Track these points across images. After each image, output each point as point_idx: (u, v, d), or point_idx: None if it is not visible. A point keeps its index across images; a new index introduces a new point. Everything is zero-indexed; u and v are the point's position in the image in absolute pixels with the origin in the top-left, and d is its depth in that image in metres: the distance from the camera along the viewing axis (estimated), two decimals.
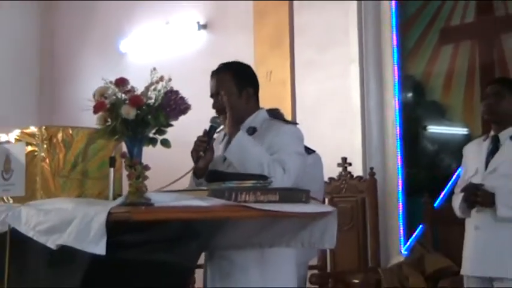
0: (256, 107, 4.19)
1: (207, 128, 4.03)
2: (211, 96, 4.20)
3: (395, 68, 7.03)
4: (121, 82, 3.32)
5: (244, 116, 4.14)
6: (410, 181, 6.80)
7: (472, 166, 4.96)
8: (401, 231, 6.82)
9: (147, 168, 3.19)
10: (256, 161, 3.80)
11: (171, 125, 3.40)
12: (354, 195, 6.54)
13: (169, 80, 3.35)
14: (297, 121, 7.24)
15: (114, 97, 3.30)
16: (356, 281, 5.92)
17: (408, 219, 6.76)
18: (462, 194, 4.86)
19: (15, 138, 4.24)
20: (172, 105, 3.27)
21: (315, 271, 6.56)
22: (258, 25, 7.83)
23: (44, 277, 3.79)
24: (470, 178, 4.90)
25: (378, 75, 7.11)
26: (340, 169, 6.62)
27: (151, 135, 3.39)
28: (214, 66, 8.04)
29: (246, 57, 7.74)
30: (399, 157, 6.93)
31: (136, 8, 9.06)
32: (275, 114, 5.72)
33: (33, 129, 4.11)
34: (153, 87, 3.32)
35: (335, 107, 7.20)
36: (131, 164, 3.20)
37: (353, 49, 7.10)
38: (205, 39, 8.41)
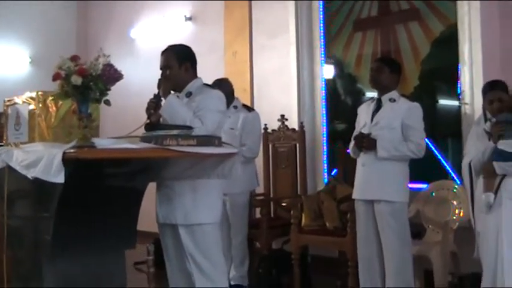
0: (193, 77, 4.20)
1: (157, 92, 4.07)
2: (160, 68, 4.18)
3: (322, 49, 7.03)
4: (74, 58, 3.34)
5: (184, 84, 4.16)
6: (331, 132, 6.83)
7: (362, 121, 4.99)
8: (325, 169, 6.85)
9: (92, 121, 3.22)
10: (181, 117, 3.83)
11: (109, 89, 3.40)
12: (289, 142, 6.55)
13: (108, 56, 3.36)
14: (254, 89, 7.33)
15: (67, 69, 3.28)
16: (284, 204, 5.95)
17: (330, 160, 6.77)
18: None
19: (22, 101, 4.29)
20: (107, 74, 3.26)
21: (262, 197, 6.63)
22: (227, 18, 7.82)
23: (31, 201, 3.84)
24: (361, 129, 4.91)
25: (309, 54, 7.12)
26: (280, 123, 6.58)
27: (97, 97, 3.39)
28: (198, 50, 8.06)
29: (218, 42, 7.83)
30: (324, 114, 6.95)
31: (143, 4, 9.04)
32: (220, 82, 5.77)
33: (33, 94, 4.14)
34: (95, 62, 3.31)
35: (280, 78, 7.22)
36: (80, 118, 3.23)
37: (292, 36, 7.10)
38: (190, 29, 8.39)
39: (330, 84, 6.98)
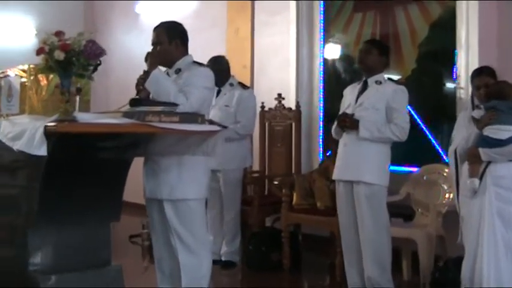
0: (183, 53, 4.22)
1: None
2: (152, 44, 4.19)
3: (322, 29, 7.00)
4: (57, 34, 3.35)
5: (174, 60, 4.19)
6: (328, 112, 6.80)
7: (347, 102, 4.96)
8: (321, 149, 6.86)
9: (74, 94, 3.24)
10: (166, 91, 3.85)
11: (91, 65, 3.41)
12: (285, 121, 6.55)
13: (91, 33, 3.37)
14: (255, 66, 7.32)
15: (51, 44, 3.30)
16: (275, 182, 5.97)
17: (325, 140, 6.77)
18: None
19: (15, 74, 4.30)
20: (89, 50, 3.28)
21: (257, 175, 6.66)
22: None
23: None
24: (345, 110, 4.90)
25: (309, 33, 7.10)
26: (276, 102, 6.58)
27: (80, 72, 3.40)
28: (201, 25, 8.11)
29: (221, 18, 7.82)
30: (321, 94, 6.96)
31: None
32: (216, 59, 5.78)
33: (25, 67, 4.16)
34: (79, 37, 3.33)
35: (279, 56, 7.22)
36: (62, 92, 3.26)
37: (292, 14, 7.08)
38: (194, 4, 8.37)
39: (328, 64, 6.97)
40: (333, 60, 6.97)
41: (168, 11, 8.46)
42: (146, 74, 4.05)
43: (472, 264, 4.08)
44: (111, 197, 4.05)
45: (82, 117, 3.29)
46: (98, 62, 3.78)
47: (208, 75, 4.12)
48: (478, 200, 4.10)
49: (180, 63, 4.16)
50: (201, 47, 7.20)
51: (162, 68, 4.14)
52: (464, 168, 4.26)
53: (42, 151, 3.27)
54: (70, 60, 3.29)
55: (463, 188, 4.30)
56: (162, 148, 3.98)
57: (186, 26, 7.88)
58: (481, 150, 4.08)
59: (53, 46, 3.30)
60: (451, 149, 4.45)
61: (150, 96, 4.07)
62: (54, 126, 3.19)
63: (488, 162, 4.09)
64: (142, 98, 3.90)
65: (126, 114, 3.42)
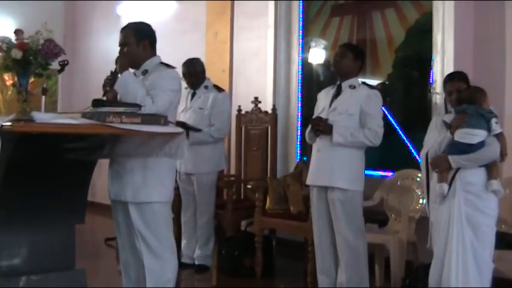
0: (151, 54, 4.15)
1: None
2: (119, 45, 4.14)
3: (300, 33, 6.96)
4: (16, 32, 3.29)
5: (141, 61, 4.14)
6: (306, 116, 6.71)
7: (321, 106, 4.92)
8: (298, 152, 6.81)
9: (31, 94, 3.18)
10: (133, 94, 3.80)
11: (50, 64, 3.36)
12: (261, 125, 6.51)
13: (50, 31, 3.31)
14: (233, 70, 7.28)
15: (9, 42, 3.25)
16: (249, 186, 5.91)
17: (303, 145, 6.72)
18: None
19: None
20: (46, 49, 3.22)
21: (233, 178, 6.62)
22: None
23: None
24: (319, 114, 4.86)
25: (287, 38, 7.07)
26: (253, 105, 6.53)
27: (38, 71, 3.35)
28: (181, 28, 8.07)
29: (201, 21, 7.78)
30: (299, 98, 6.92)
31: None
32: (191, 61, 5.74)
33: None
34: (36, 36, 3.28)
35: (257, 60, 7.19)
36: (19, 91, 3.20)
37: (271, 18, 7.05)
38: (174, 7, 8.35)
39: (306, 68, 6.92)
40: (311, 64, 6.92)
41: (148, 14, 8.41)
42: (113, 75, 4.00)
43: (439, 270, 4.04)
44: (75, 199, 4.01)
45: (39, 117, 3.23)
46: (65, 62, 3.73)
47: (175, 77, 4.07)
48: (447, 205, 4.06)
49: (147, 64, 4.11)
50: (181, 50, 7.21)
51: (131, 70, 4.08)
52: (435, 172, 4.22)
53: None
54: (27, 59, 3.24)
55: (433, 192, 4.26)
56: (127, 150, 3.93)
57: (167, 29, 7.97)
58: (450, 157, 4.03)
59: (11, 44, 3.23)
60: (422, 153, 4.41)
61: (118, 97, 4.01)
62: (9, 125, 3.13)
63: (458, 168, 4.05)
64: (104, 99, 3.83)
65: (86, 115, 3.37)
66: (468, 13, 5.52)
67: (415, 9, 5.98)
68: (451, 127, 4.14)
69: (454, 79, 4.35)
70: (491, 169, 4.00)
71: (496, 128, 3.97)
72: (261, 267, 5.68)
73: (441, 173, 4.10)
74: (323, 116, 4.77)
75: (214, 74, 7.07)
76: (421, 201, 5.32)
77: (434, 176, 4.25)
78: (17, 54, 3.20)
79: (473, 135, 3.98)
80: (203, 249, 5.97)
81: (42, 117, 3.23)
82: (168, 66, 4.13)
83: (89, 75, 8.88)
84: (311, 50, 6.91)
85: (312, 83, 6.82)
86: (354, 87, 4.77)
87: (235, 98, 7.18)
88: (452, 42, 5.51)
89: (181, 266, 5.67)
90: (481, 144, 3.98)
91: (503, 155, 4.02)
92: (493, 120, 3.96)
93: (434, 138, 4.31)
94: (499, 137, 4.00)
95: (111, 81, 3.97)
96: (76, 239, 4.07)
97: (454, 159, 4.02)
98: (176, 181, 5.83)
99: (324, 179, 4.72)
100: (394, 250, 5.04)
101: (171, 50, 7.06)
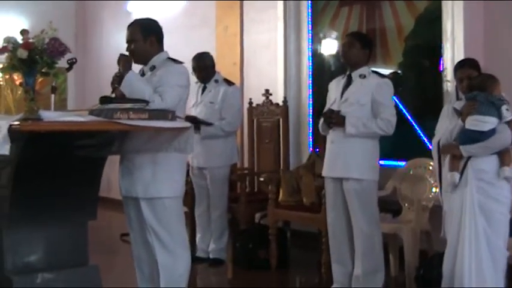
0: (158, 50, 4.16)
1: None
2: (126, 42, 4.14)
3: (309, 24, 6.95)
4: (22, 32, 3.31)
5: (149, 57, 4.14)
6: (317, 107, 6.70)
7: (332, 97, 4.91)
8: (311, 143, 6.79)
9: (39, 93, 3.20)
10: (140, 92, 3.80)
11: (56, 63, 3.37)
12: (273, 117, 6.51)
13: (55, 30, 3.32)
14: (244, 63, 7.28)
15: (15, 42, 3.27)
16: (262, 179, 5.91)
17: (315, 136, 6.69)
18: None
19: None
20: (52, 48, 3.23)
21: (246, 171, 6.62)
22: None
23: None
24: (331, 106, 4.84)
25: (296, 29, 7.06)
26: (264, 98, 6.52)
27: (44, 70, 3.36)
28: (191, 23, 8.07)
29: (210, 16, 7.78)
30: (310, 89, 6.88)
31: None
32: (201, 56, 5.74)
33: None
34: (41, 35, 3.29)
35: (268, 53, 7.18)
36: (27, 90, 3.21)
37: (280, 11, 7.04)
38: (184, 3, 8.36)
39: (316, 59, 6.89)
40: (321, 55, 6.89)
41: (158, 10, 8.41)
42: (121, 72, 3.99)
43: (453, 259, 4.01)
44: (86, 196, 4.02)
45: (47, 115, 3.24)
46: (74, 60, 3.74)
47: (182, 72, 4.07)
48: (459, 194, 4.03)
49: (154, 60, 4.12)
50: (192, 45, 7.21)
51: (137, 67, 4.08)
52: (447, 161, 4.19)
53: (4, 150, 3.23)
54: (33, 58, 3.25)
55: (445, 181, 4.23)
56: (136, 146, 3.93)
57: (177, 24, 7.97)
58: (462, 147, 4.00)
59: (16, 44, 3.25)
60: (434, 141, 4.38)
61: None
62: (18, 125, 3.14)
63: (470, 156, 4.02)
64: (112, 96, 3.84)
65: (94, 112, 3.37)
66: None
67: None
68: (461, 114, 4.10)
69: (465, 66, 4.31)
70: (503, 156, 3.96)
71: (507, 115, 3.93)
72: (276, 259, 5.68)
73: (453, 161, 4.07)
74: (335, 107, 4.76)
75: (225, 67, 7.07)
76: (434, 189, 5.29)
77: (446, 164, 4.21)
78: (22, 53, 3.22)
79: (484, 122, 3.94)
80: (217, 243, 5.97)
81: (49, 115, 3.24)
82: (175, 61, 4.13)
83: (101, 71, 8.89)
84: (321, 41, 6.88)
85: (323, 73, 6.78)
86: (365, 76, 4.74)
87: (246, 90, 7.18)
88: (462, 29, 5.47)
89: (196, 260, 5.73)
90: (492, 132, 3.94)
91: None
92: (504, 107, 3.92)
93: (446, 126, 4.27)
94: (510, 123, 3.95)
95: (119, 78, 3.97)
96: (91, 235, 4.10)
97: (465, 149, 3.98)
98: (189, 175, 5.85)
99: (339, 170, 4.72)
100: (408, 239, 5.03)
101: (182, 45, 7.11)
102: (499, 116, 3.92)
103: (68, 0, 9.82)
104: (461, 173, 4.03)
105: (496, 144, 3.93)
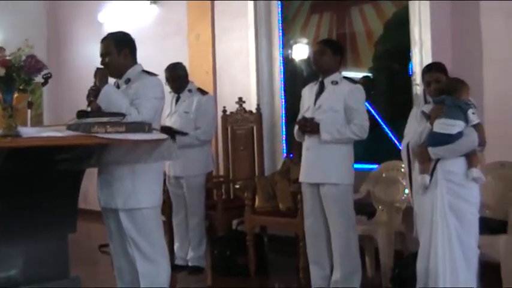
0: (132, 63, 4.24)
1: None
2: (100, 55, 4.21)
3: (280, 31, 7.04)
4: None
5: (123, 70, 4.21)
6: (291, 113, 6.79)
7: (306, 104, 5.02)
8: (285, 149, 6.89)
9: (15, 110, 3.25)
10: (117, 105, 3.87)
11: (33, 80, 3.42)
12: (247, 124, 6.60)
13: (31, 47, 3.38)
14: (217, 71, 7.35)
15: None
16: (237, 186, 6.00)
17: (288, 142, 6.78)
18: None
19: None
20: (29, 65, 3.29)
21: (222, 179, 6.70)
22: (191, 1, 7.84)
23: None
24: (305, 113, 4.95)
25: (268, 36, 7.15)
26: (238, 105, 6.61)
27: (22, 87, 3.41)
28: (164, 32, 8.13)
29: (182, 24, 7.84)
30: (283, 96, 6.99)
31: None
32: (174, 66, 5.82)
33: None
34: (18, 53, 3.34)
35: (240, 61, 7.26)
36: (4, 108, 3.27)
37: (250, 18, 7.12)
38: (156, 12, 8.40)
39: (288, 66, 7.00)
40: (293, 62, 7.00)
41: (130, 20, 8.47)
42: (97, 86, 4.06)
43: (426, 259, 4.11)
44: (66, 209, 4.08)
45: (26, 131, 3.31)
46: (49, 75, 3.79)
47: (158, 84, 4.16)
48: (429, 196, 4.14)
49: (129, 73, 4.20)
50: (165, 54, 7.30)
51: (111, 80, 4.15)
52: (417, 163, 4.30)
53: None
54: (11, 76, 3.30)
55: (415, 183, 4.34)
56: (114, 158, 4.00)
57: (149, 34, 8.03)
58: (430, 149, 4.11)
59: None
60: (403, 144, 4.50)
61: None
62: None
63: (439, 158, 4.13)
64: (89, 110, 3.91)
65: (71, 127, 3.44)
66: (444, 4, 5.61)
67: (392, 3, 6.07)
68: (430, 117, 4.21)
69: (432, 70, 4.45)
70: (470, 158, 4.08)
71: (474, 119, 4.04)
72: (254, 264, 5.77)
73: (422, 164, 4.18)
74: (309, 114, 4.87)
75: (198, 76, 7.16)
76: (406, 191, 5.39)
77: (416, 167, 4.33)
78: (0, 71, 3.26)
79: (452, 125, 4.05)
80: (196, 251, 6.04)
81: (28, 131, 3.31)
82: (150, 74, 4.21)
83: (76, 83, 8.90)
84: (292, 48, 6.98)
85: (295, 79, 6.89)
86: (337, 82, 4.87)
87: (220, 99, 7.26)
88: (429, 34, 5.61)
89: (176, 268, 5.80)
90: (460, 135, 4.05)
91: (482, 145, 4.10)
92: (470, 111, 4.04)
93: (414, 128, 4.39)
94: (477, 127, 4.07)
95: (94, 91, 4.04)
96: (71, 247, 4.15)
97: (433, 151, 4.10)
98: (166, 185, 5.93)
99: (316, 176, 4.85)
100: (382, 241, 5.16)
101: (155, 54, 7.19)
102: (466, 120, 4.04)
103: (39, 11, 9.82)
104: (431, 175, 4.14)
105: (464, 147, 4.05)
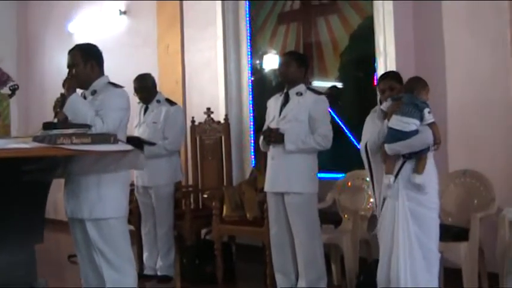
0: (99, 74, 4.29)
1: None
2: (67, 67, 4.27)
3: (248, 42, 7.14)
4: None
5: (89, 81, 4.28)
6: (259, 124, 6.87)
7: (271, 114, 5.13)
8: (253, 160, 6.98)
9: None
10: (83, 115, 3.94)
11: None
12: (215, 134, 6.67)
13: (1, 61, 3.44)
14: (186, 81, 7.44)
15: None
16: (205, 195, 6.09)
17: (257, 152, 6.85)
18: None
19: None
20: None
21: (191, 189, 6.78)
22: (160, 12, 7.92)
23: None
24: (270, 123, 5.06)
25: (236, 47, 7.26)
26: (206, 116, 6.70)
27: None
28: (134, 43, 8.18)
29: (152, 35, 7.92)
30: (251, 106, 7.11)
31: None
32: (142, 77, 5.90)
33: None
34: None
35: (209, 71, 7.35)
36: None
37: (219, 29, 7.22)
38: (125, 23, 8.48)
39: (256, 77, 7.12)
40: (261, 72, 7.12)
41: (100, 30, 8.54)
42: (63, 97, 4.12)
43: (387, 265, 4.23)
44: (32, 220, 4.12)
45: None
46: (16, 86, 3.86)
47: (123, 95, 4.23)
48: (391, 202, 4.25)
49: (95, 85, 4.26)
50: (135, 64, 7.38)
51: (79, 91, 4.22)
52: (377, 161, 4.40)
53: None
54: None
55: (377, 184, 4.44)
56: (81, 168, 4.07)
57: (119, 44, 8.11)
58: (386, 146, 4.22)
59: None
60: (362, 145, 4.57)
61: (69, 118, 4.14)
62: None
63: (403, 162, 4.22)
64: (55, 121, 3.97)
65: (37, 138, 3.50)
66: (407, 14, 5.76)
67: (357, 14, 6.22)
68: (387, 114, 4.32)
69: (387, 78, 4.58)
70: (418, 162, 4.20)
71: (429, 118, 4.17)
72: (222, 272, 5.85)
73: (387, 164, 4.28)
74: (274, 124, 4.99)
75: (167, 86, 7.25)
76: (371, 200, 5.51)
77: (378, 168, 4.42)
78: None
79: (407, 123, 4.16)
80: (165, 260, 6.11)
81: None
82: (116, 85, 4.29)
83: (45, 94, 8.96)
84: (260, 58, 7.10)
85: (264, 90, 7.00)
86: (301, 93, 4.99)
87: (189, 109, 7.35)
88: (393, 44, 5.74)
89: (145, 277, 5.88)
90: (415, 133, 4.16)
91: (437, 143, 4.21)
92: (426, 110, 4.16)
93: (372, 129, 4.49)
94: (432, 126, 4.19)
95: (61, 102, 4.11)
96: (40, 257, 4.20)
97: (389, 147, 4.21)
98: (134, 194, 6.00)
99: (281, 185, 4.97)
100: (347, 248, 5.27)
101: (124, 65, 7.27)
102: (421, 118, 4.16)
103: (9, 20, 9.85)
104: (396, 177, 4.24)
105: (418, 143, 4.16)
